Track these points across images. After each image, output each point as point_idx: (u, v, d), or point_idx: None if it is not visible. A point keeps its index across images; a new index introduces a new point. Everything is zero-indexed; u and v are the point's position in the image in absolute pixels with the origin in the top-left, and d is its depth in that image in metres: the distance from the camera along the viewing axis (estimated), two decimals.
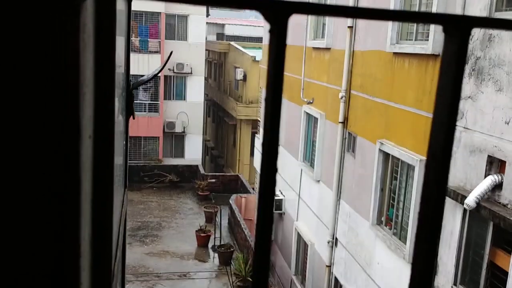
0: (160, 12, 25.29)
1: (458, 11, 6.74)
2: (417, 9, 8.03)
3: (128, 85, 1.88)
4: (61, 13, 0.51)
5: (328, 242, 11.01)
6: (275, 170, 0.46)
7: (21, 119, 0.52)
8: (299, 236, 13.20)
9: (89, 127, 0.70)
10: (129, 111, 1.86)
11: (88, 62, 0.66)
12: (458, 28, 0.47)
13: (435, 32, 7.23)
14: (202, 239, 17.63)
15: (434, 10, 7.28)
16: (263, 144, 0.45)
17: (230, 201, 19.11)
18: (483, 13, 6.31)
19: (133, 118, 1.94)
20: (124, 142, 1.87)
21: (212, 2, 0.43)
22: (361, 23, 9.85)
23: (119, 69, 1.61)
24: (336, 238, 10.88)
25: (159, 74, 25.13)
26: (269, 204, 0.45)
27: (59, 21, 0.51)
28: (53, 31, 0.51)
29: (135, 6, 24.25)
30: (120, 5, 1.50)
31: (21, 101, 0.51)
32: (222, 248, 16.58)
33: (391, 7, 8.46)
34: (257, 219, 0.46)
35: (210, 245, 17.67)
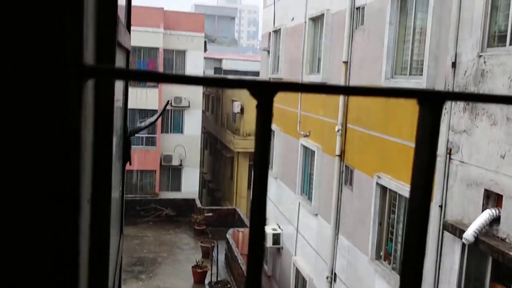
0: (158, 48, 25.67)
1: (450, 46, 6.86)
2: (410, 46, 8.18)
3: (125, 132, 1.89)
4: (64, 93, 0.53)
5: (327, 278, 10.85)
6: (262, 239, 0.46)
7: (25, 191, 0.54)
8: (297, 271, 13.01)
9: (87, 192, 0.72)
10: (126, 158, 1.88)
11: (87, 135, 0.69)
12: (431, 102, 0.48)
13: (429, 67, 7.34)
14: (199, 275, 17.35)
15: (427, 46, 7.42)
16: (250, 216, 0.47)
17: (227, 236, 18.91)
18: (475, 50, 6.42)
19: (130, 164, 1.95)
20: (121, 189, 1.87)
21: (206, 83, 0.47)
22: (356, 58, 10.01)
23: (118, 116, 1.63)
24: (335, 273, 10.73)
25: (156, 108, 25.30)
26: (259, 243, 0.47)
27: (61, 100, 0.53)
28: (55, 109, 0.53)
29: (133, 42, 24.65)
30: (119, 59, 1.53)
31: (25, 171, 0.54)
32: (219, 285, 16.30)
33: (385, 44, 8.62)
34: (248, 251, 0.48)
35: (206, 281, 17.38)
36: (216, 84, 0.47)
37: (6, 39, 0.52)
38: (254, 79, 0.47)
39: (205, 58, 29.15)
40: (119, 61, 1.50)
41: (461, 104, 6.66)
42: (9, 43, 0.52)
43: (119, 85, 1.71)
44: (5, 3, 0.51)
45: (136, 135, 25.85)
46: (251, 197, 0.47)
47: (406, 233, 0.52)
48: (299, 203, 12.95)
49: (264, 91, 0.45)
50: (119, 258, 1.68)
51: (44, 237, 0.55)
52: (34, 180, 0.54)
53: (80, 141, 0.55)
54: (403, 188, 7.96)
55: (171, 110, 26.74)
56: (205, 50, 28.14)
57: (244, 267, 16.06)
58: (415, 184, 0.51)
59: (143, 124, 3.30)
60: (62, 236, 0.56)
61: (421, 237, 0.50)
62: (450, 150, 6.83)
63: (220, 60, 35.92)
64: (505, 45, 6.04)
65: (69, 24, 0.54)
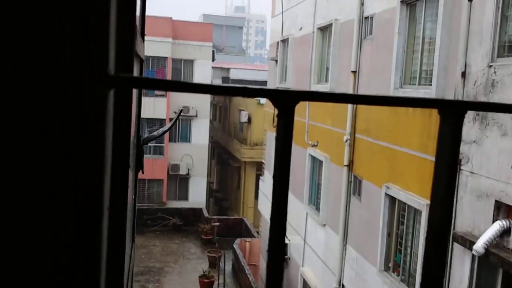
0: (166, 57, 25.82)
1: (460, 56, 6.82)
2: (419, 56, 8.15)
3: (138, 141, 1.89)
4: (90, 102, 0.55)
5: None
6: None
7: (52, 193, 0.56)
8: (305, 283, 12.91)
9: (106, 200, 0.73)
10: (138, 166, 1.87)
11: (108, 140, 0.70)
12: (452, 112, 0.47)
13: (438, 77, 7.30)
14: (205, 285, 17.27)
15: (436, 55, 7.38)
16: (270, 230, 0.46)
17: (234, 246, 18.83)
18: (485, 60, 6.38)
19: (143, 172, 1.95)
20: (133, 197, 1.86)
21: (227, 92, 0.47)
22: (365, 68, 9.99)
23: (132, 127, 1.64)
24: (343, 285, 10.62)
25: (164, 117, 25.39)
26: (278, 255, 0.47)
27: (87, 108, 0.55)
28: (81, 118, 0.55)
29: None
30: (136, 67, 1.53)
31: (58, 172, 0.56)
32: None
33: (394, 54, 8.59)
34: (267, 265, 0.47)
35: None
36: (238, 93, 0.48)
37: (34, 49, 0.53)
38: (275, 88, 0.46)
39: (213, 67, 29.28)
40: (135, 71, 1.51)
41: (471, 114, 6.61)
42: (37, 53, 0.53)
43: (133, 94, 1.72)
44: (33, 13, 0.53)
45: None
46: (270, 212, 0.47)
47: (427, 243, 0.50)
48: (307, 214, 12.88)
49: (286, 101, 0.45)
50: (131, 267, 1.67)
51: (68, 242, 0.56)
52: (59, 187, 0.55)
53: (104, 149, 0.57)
54: (412, 199, 7.88)
55: (179, 119, 26.83)
56: (213, 59, 28.27)
57: (251, 278, 15.96)
58: (436, 197, 0.49)
59: (156, 133, 3.32)
60: (87, 242, 0.57)
61: (442, 253, 0.48)
62: (460, 160, 6.76)
63: (227, 70, 36.07)
64: None
65: (95, 34, 0.55)
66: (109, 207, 0.79)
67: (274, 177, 0.46)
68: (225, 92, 0.46)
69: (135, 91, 1.76)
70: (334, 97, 0.46)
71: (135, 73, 1.54)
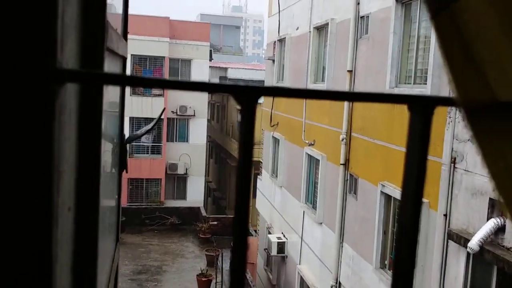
0: (164, 57, 25.82)
1: None
2: (414, 55, 8.21)
3: (121, 140, 1.91)
4: (35, 98, 0.51)
5: (332, 287, 10.80)
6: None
7: None
8: (302, 280, 12.96)
9: (69, 200, 0.72)
10: (122, 165, 1.89)
11: (69, 139, 0.69)
12: (422, 108, 0.51)
13: (433, 76, 7.36)
14: (203, 284, 17.31)
15: (431, 54, 7.44)
16: (233, 225, 0.48)
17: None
18: None
19: (126, 172, 1.97)
20: (117, 197, 1.89)
21: (188, 87, 0.46)
22: (361, 67, 10.04)
23: (113, 123, 1.65)
24: (340, 282, 10.68)
25: (162, 116, 25.39)
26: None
27: (32, 106, 0.51)
28: (25, 113, 0.52)
29: (139, 51, 24.79)
30: (114, 67, 1.56)
31: None
32: None
33: (389, 53, 8.65)
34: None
35: None
36: (199, 88, 0.47)
37: None
38: (235, 83, 0.47)
39: (210, 67, 29.27)
40: (114, 68, 1.51)
41: (467, 129, 6.66)
42: None
43: (115, 93, 1.73)
44: None
45: (141, 143, 25.97)
46: (234, 204, 0.48)
47: (397, 239, 0.54)
48: (304, 212, 12.93)
49: (246, 96, 0.45)
50: (114, 266, 1.69)
51: (17, 245, 0.53)
52: (5, 187, 0.52)
53: (52, 146, 0.53)
54: None
55: (176, 119, 26.84)
56: (211, 59, 28.27)
57: (248, 276, 16.02)
58: (406, 192, 0.52)
59: (139, 132, 3.34)
60: (36, 244, 0.54)
61: (412, 244, 0.52)
62: (455, 159, 6.82)
63: (225, 69, 36.06)
64: None
65: (41, 26, 0.52)
66: (75, 207, 0.79)
67: (237, 171, 0.47)
68: (183, 87, 0.46)
69: (117, 90, 1.77)
70: (295, 93, 0.47)
71: (115, 71, 1.54)
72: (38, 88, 0.51)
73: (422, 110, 0.50)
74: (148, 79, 0.48)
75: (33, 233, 0.54)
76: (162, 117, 25.34)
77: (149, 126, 3.15)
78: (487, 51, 0.45)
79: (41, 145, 0.53)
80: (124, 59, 1.85)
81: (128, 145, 2.24)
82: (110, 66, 1.36)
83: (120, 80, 0.47)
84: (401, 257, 0.53)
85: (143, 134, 3.34)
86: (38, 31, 0.52)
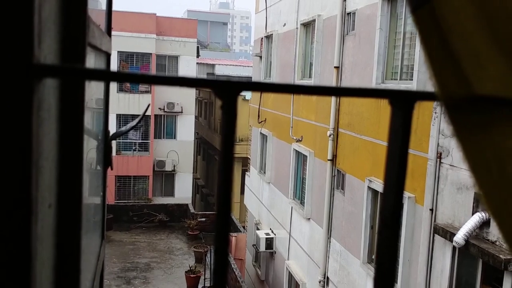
0: (151, 53, 25.67)
1: None
2: (400, 51, 8.26)
3: (106, 137, 1.91)
4: (12, 93, 0.51)
5: (320, 282, 10.87)
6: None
7: None
8: (290, 276, 13.02)
9: (50, 196, 0.71)
10: (107, 162, 1.89)
11: (49, 134, 0.68)
12: (403, 102, 0.51)
13: (419, 72, 7.42)
14: (192, 280, 17.30)
15: (417, 50, 7.50)
16: (215, 221, 0.48)
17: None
18: None
19: (111, 169, 1.96)
20: (102, 194, 1.88)
21: (168, 82, 0.46)
22: (348, 63, 10.09)
23: (98, 119, 1.64)
24: (328, 277, 10.75)
25: (149, 113, 25.26)
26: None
27: (9, 102, 0.51)
28: (2, 112, 0.51)
29: (126, 47, 24.63)
30: (98, 63, 1.55)
31: None
32: None
33: (376, 49, 8.69)
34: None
35: (200, 286, 17.33)
36: (179, 83, 0.47)
37: None
38: (216, 78, 0.47)
39: (198, 63, 29.18)
40: (97, 64, 1.50)
41: (447, 123, 6.73)
42: None
43: (99, 89, 1.72)
44: None
45: (129, 141, 25.82)
46: (216, 201, 0.48)
47: (379, 231, 0.55)
48: (292, 208, 12.98)
49: (227, 91, 0.45)
50: (99, 264, 1.68)
51: None
52: None
53: (30, 141, 0.53)
54: None
55: (164, 115, 26.72)
56: (198, 55, 28.18)
57: (237, 272, 16.04)
58: (388, 183, 0.53)
59: (124, 128, 3.33)
60: (13, 240, 0.54)
61: (394, 236, 0.53)
62: (441, 154, 6.89)
63: (213, 66, 35.97)
64: None
65: (16, 21, 0.51)
66: (55, 204, 0.78)
67: (219, 166, 0.47)
68: (164, 82, 0.46)
69: (101, 87, 1.76)
70: (276, 87, 0.48)
71: (98, 66, 1.53)
72: (14, 83, 0.51)
73: (403, 104, 0.51)
74: (127, 74, 0.48)
75: (11, 228, 0.53)
76: (149, 113, 25.22)
77: (134, 123, 3.14)
78: (464, 45, 0.46)
79: (19, 140, 0.52)
80: (108, 55, 1.84)
81: (114, 142, 2.23)
82: (93, 62, 1.35)
83: (99, 75, 0.47)
84: (383, 247, 0.54)
85: (128, 131, 3.35)
86: (13, 25, 0.52)
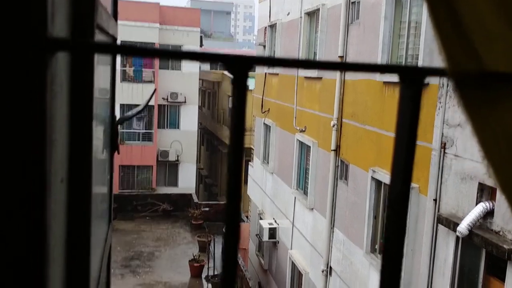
0: (154, 43, 25.60)
1: None
2: (405, 40, 8.21)
3: (113, 121, 1.91)
4: (26, 66, 0.52)
5: (323, 271, 10.91)
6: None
7: None
8: (293, 265, 13.08)
9: (62, 171, 0.72)
10: (113, 146, 1.89)
11: (60, 109, 0.69)
12: (413, 78, 0.51)
13: (424, 61, 7.37)
14: (196, 269, 17.41)
15: (422, 40, 7.44)
16: (226, 192, 0.48)
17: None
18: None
19: (118, 153, 1.97)
20: (109, 177, 1.89)
21: (177, 56, 0.46)
22: (352, 52, 10.03)
23: (104, 105, 1.65)
24: (331, 267, 10.79)
25: (152, 103, 25.26)
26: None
27: (23, 73, 0.52)
28: (17, 83, 0.52)
29: (129, 37, 24.57)
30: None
31: None
32: (216, 278, 16.36)
33: (380, 38, 8.64)
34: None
35: (203, 275, 17.44)
36: (189, 57, 0.46)
37: None
38: (228, 53, 0.47)
39: None
40: None
41: (455, 98, 6.70)
42: None
43: (106, 74, 1.73)
44: None
45: (133, 130, 25.85)
46: (226, 186, 0.48)
47: (388, 214, 0.54)
48: (295, 198, 13.00)
49: (238, 66, 0.45)
50: (107, 247, 1.70)
51: (11, 213, 0.54)
52: None
53: (45, 115, 0.53)
54: None
55: (167, 105, 26.72)
56: (201, 45, 28.10)
57: (240, 261, 16.13)
58: (397, 163, 0.53)
59: (130, 113, 3.33)
60: (29, 214, 0.54)
61: (402, 217, 0.52)
62: (445, 144, 6.87)
63: None
64: None
65: None
66: (67, 179, 0.79)
67: (229, 147, 0.47)
68: (173, 56, 0.46)
69: (108, 73, 1.77)
70: (285, 62, 0.47)
71: None
72: (30, 56, 0.51)
73: (412, 81, 0.50)
74: (137, 48, 0.48)
75: (26, 201, 0.54)
76: (153, 103, 25.22)
77: (140, 107, 3.15)
78: (475, 21, 0.45)
79: (34, 112, 0.53)
80: (114, 39, 1.84)
81: (119, 127, 2.24)
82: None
83: (110, 48, 0.47)
84: (391, 230, 0.54)
85: (134, 115, 3.35)
86: (29, 2, 0.53)
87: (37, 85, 0.52)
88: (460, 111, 6.54)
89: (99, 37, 1.20)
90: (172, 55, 0.46)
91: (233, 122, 0.46)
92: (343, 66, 0.48)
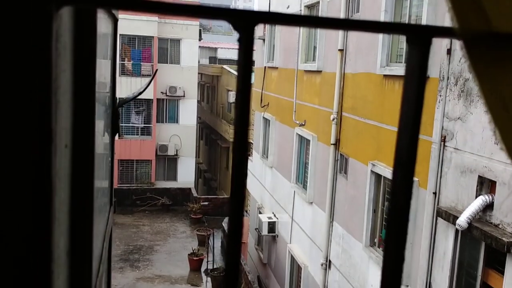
0: (153, 36, 25.52)
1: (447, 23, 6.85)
2: (407, 14, 8.17)
3: (114, 103, 1.90)
4: (32, 20, 0.51)
5: (322, 265, 10.92)
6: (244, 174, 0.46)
7: None
8: (292, 259, 13.09)
9: (66, 137, 0.71)
10: (115, 129, 1.88)
11: (64, 72, 0.67)
12: (420, 38, 0.49)
13: None
14: (195, 263, 17.44)
15: (424, 16, 7.40)
16: (234, 148, 0.46)
17: (223, 224, 18.98)
18: None
19: (119, 136, 1.96)
20: (110, 159, 1.88)
21: (184, 12, 0.44)
22: (352, 46, 10.00)
23: (105, 87, 1.63)
24: (330, 261, 10.80)
25: (151, 96, 25.21)
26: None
27: (29, 27, 0.51)
28: (22, 38, 0.51)
29: (128, 31, 24.48)
30: (106, 27, 1.53)
31: None
32: (215, 272, 16.38)
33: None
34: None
35: (203, 269, 17.47)
36: (193, 13, 0.44)
37: None
38: (233, 8, 0.45)
39: (200, 47, 29.04)
40: (106, 28, 1.49)
41: (456, 91, 6.68)
42: None
43: (106, 63, 1.71)
44: None
45: (131, 125, 25.80)
46: (232, 163, 0.46)
47: (393, 171, 0.52)
48: (294, 192, 13.00)
49: (245, 21, 0.43)
50: (108, 228, 1.69)
51: (17, 173, 0.53)
52: (2, 110, 0.52)
53: (50, 70, 0.53)
54: None
55: (166, 99, 26.67)
56: (200, 39, 28.01)
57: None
58: (403, 124, 0.51)
59: (131, 95, 3.32)
60: (35, 174, 0.54)
61: (409, 175, 0.50)
62: (445, 137, 6.86)
63: (215, 49, 35.83)
64: None
65: None
66: (70, 144, 0.78)
67: (235, 105, 0.45)
68: (176, 12, 0.44)
69: (108, 61, 1.75)
70: (294, 19, 0.45)
71: (107, 31, 1.52)
72: (36, 9, 0.51)
73: (420, 41, 0.49)
74: (141, 1, 0.45)
75: (33, 161, 0.53)
76: (151, 97, 25.17)
77: (142, 89, 3.14)
78: None
79: (40, 66, 0.52)
80: (115, 21, 1.82)
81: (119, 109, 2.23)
82: (103, 25, 1.33)
83: (112, 2, 0.46)
84: (394, 214, 0.51)
85: (135, 97, 3.34)
86: None
87: (43, 39, 0.52)
88: (461, 105, 6.54)
89: (101, 15, 1.19)
90: (174, 10, 0.44)
91: (239, 81, 0.44)
92: (350, 24, 0.47)
